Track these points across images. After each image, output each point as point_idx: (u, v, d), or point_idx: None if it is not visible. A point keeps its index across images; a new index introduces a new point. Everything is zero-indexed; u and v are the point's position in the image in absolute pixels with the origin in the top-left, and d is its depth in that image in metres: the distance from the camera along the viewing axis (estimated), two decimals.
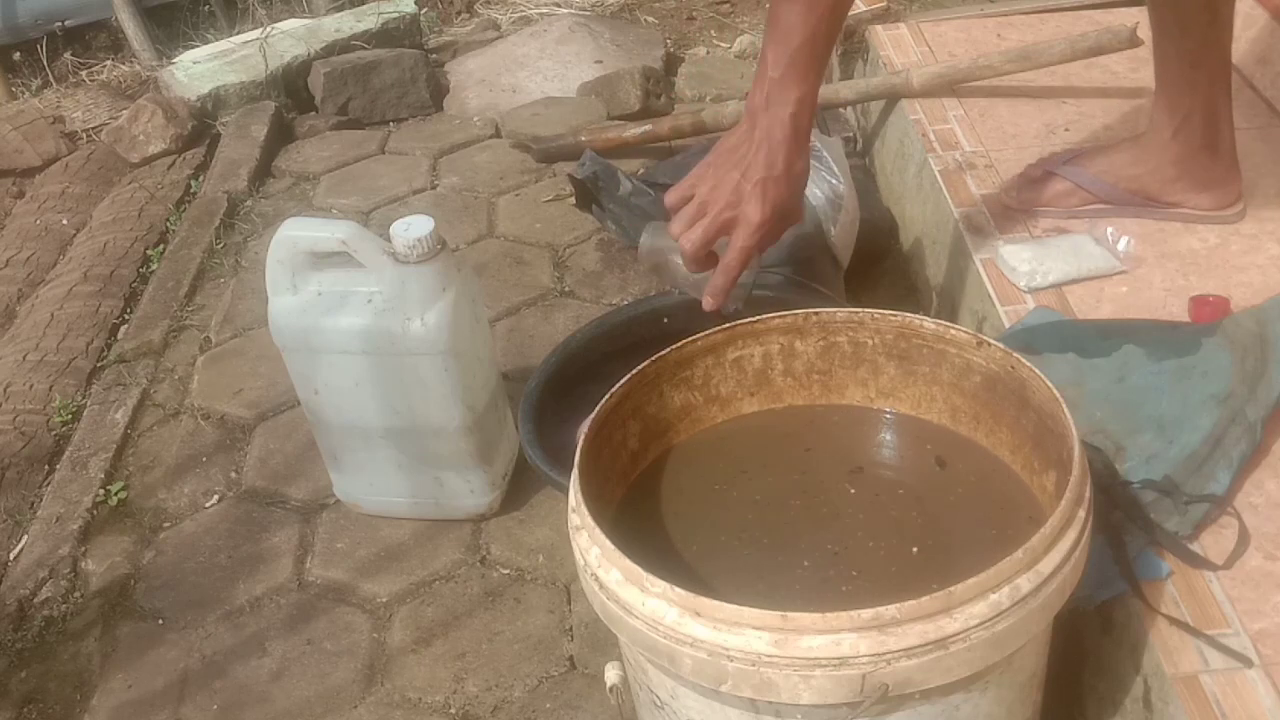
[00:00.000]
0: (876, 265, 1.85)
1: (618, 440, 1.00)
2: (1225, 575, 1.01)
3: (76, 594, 1.48)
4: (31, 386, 1.83)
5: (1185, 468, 1.07)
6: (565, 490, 0.90)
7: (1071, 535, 0.81)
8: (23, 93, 2.89)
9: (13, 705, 1.35)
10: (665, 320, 1.45)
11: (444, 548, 1.47)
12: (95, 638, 1.41)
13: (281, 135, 2.52)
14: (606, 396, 0.97)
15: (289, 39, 2.69)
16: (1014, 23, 2.06)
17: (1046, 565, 0.79)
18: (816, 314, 1.05)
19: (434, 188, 2.26)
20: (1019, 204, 1.52)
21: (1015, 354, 0.95)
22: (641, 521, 0.97)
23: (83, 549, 1.53)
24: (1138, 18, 1.83)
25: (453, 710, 1.27)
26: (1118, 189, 1.45)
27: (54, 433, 1.75)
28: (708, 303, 1.09)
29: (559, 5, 3.06)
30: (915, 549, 0.93)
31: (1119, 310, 1.34)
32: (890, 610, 0.75)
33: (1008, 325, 1.34)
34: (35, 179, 2.56)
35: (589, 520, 0.85)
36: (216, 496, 1.60)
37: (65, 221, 2.36)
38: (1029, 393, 0.94)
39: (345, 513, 1.53)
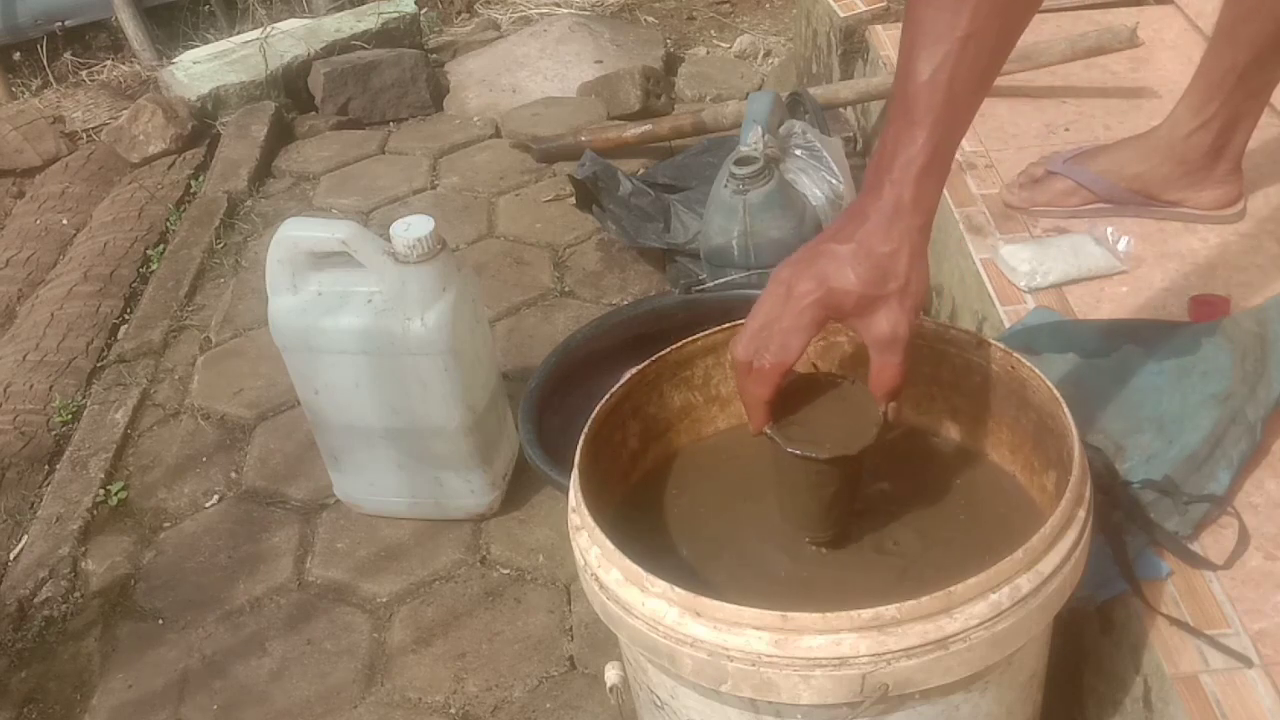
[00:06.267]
0: None
1: (618, 440, 1.00)
2: (1225, 575, 1.01)
3: (76, 594, 1.48)
4: (31, 386, 1.83)
5: (1185, 468, 1.07)
6: (565, 490, 0.90)
7: (1071, 535, 0.81)
8: (23, 93, 2.89)
9: (13, 705, 1.35)
10: (665, 320, 1.45)
11: (444, 548, 1.47)
12: (95, 638, 1.41)
13: (281, 135, 2.52)
14: (606, 396, 0.97)
15: (289, 39, 2.69)
16: None
17: (1046, 565, 0.79)
18: None
19: (434, 188, 2.26)
20: (1021, 203, 1.52)
21: (1015, 354, 0.95)
22: (641, 521, 0.97)
23: (83, 549, 1.53)
24: (1137, 18, 1.84)
25: (453, 710, 1.27)
26: (1119, 187, 1.45)
27: (54, 433, 1.75)
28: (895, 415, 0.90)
29: (559, 5, 3.06)
30: (915, 549, 0.93)
31: (1119, 310, 1.34)
32: (890, 610, 0.75)
33: (1008, 325, 1.34)
34: (35, 179, 2.56)
35: (589, 520, 0.85)
36: (216, 496, 1.60)
37: (65, 221, 2.36)
38: (1029, 393, 0.94)
39: (345, 513, 1.53)
